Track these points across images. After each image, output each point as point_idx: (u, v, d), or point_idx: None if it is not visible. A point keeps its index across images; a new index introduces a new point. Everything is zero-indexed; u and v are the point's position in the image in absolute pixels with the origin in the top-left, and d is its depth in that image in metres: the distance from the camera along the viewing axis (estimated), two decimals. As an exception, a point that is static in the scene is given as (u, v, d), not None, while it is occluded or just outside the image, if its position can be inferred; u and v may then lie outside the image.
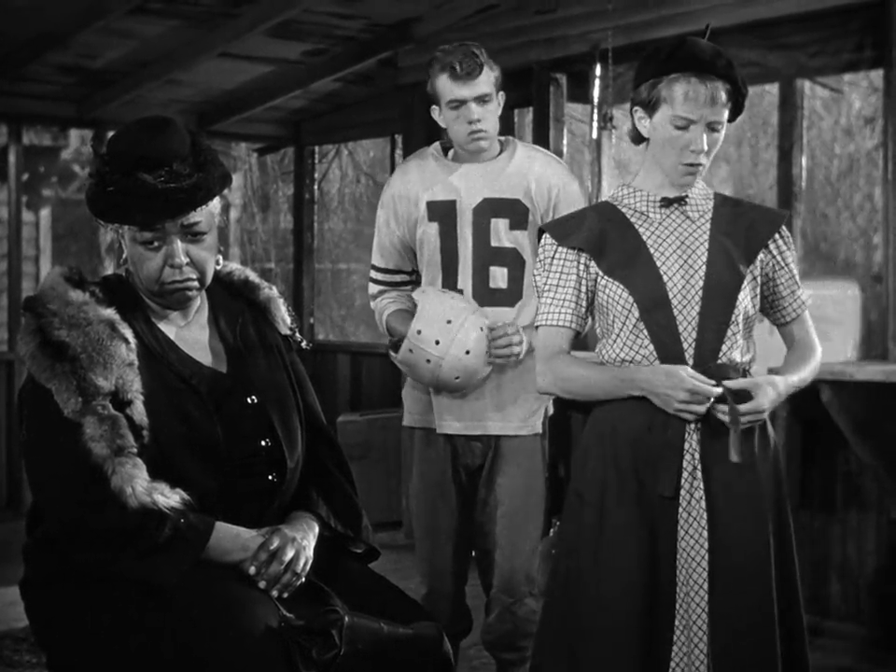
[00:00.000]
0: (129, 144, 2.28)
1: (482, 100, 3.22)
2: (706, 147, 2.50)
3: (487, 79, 3.23)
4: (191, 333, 2.42)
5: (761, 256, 2.60)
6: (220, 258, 2.44)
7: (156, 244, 2.30)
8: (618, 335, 2.55)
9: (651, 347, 2.51)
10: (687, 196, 2.59)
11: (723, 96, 2.48)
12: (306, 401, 2.54)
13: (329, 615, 2.23)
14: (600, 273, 2.56)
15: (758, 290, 2.60)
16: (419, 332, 3.19)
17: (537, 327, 2.63)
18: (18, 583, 2.38)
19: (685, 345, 2.50)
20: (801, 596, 2.58)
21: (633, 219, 2.59)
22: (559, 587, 2.58)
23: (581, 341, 2.93)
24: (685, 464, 2.47)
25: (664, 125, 2.51)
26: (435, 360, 3.17)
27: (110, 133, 2.43)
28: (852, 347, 4.31)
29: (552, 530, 4.30)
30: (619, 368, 2.54)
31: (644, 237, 2.56)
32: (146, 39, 5.73)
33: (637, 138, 2.61)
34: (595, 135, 5.19)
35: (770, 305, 2.67)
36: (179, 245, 2.30)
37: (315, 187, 7.74)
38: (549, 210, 3.27)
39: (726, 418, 2.44)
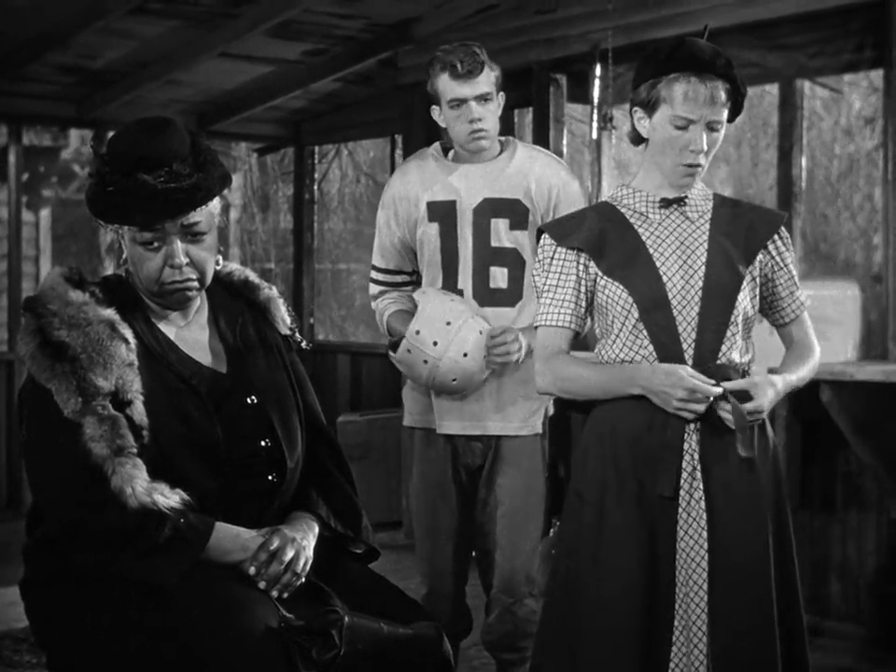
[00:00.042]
0: (129, 144, 2.28)
1: (482, 99, 3.23)
2: (705, 147, 2.50)
3: (488, 79, 3.23)
4: (191, 333, 2.42)
5: (760, 256, 2.60)
6: (220, 258, 2.44)
7: (156, 244, 2.30)
8: (617, 335, 2.55)
9: (651, 348, 2.51)
10: (686, 197, 2.59)
11: (723, 96, 2.48)
12: (306, 401, 2.54)
13: (329, 615, 2.23)
14: (600, 274, 2.56)
15: (757, 291, 2.60)
16: (418, 333, 3.19)
17: (536, 327, 2.63)
18: (18, 583, 2.38)
19: (684, 346, 2.50)
20: (801, 597, 2.58)
21: (632, 220, 2.59)
22: (559, 587, 2.58)
23: (581, 341, 2.93)
24: (684, 464, 2.47)
25: (663, 125, 2.51)
26: (432, 361, 3.17)
27: (110, 134, 2.43)
28: (852, 347, 4.31)
29: (552, 530, 4.30)
30: (618, 367, 2.54)
31: (643, 237, 2.56)
32: (146, 39, 5.73)
33: (637, 139, 2.61)
34: (594, 136, 5.19)
35: (769, 306, 2.67)
36: (179, 245, 2.30)
37: (315, 187, 7.74)
38: (549, 210, 3.27)
39: (730, 417, 2.44)
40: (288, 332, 2.58)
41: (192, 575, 2.20)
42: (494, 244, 3.27)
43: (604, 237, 2.57)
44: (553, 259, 2.60)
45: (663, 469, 2.47)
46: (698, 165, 2.52)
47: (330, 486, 2.53)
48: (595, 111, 5.15)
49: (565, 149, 5.51)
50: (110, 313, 2.27)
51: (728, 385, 2.45)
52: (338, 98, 6.89)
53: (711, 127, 2.50)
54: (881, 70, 4.45)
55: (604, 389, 2.54)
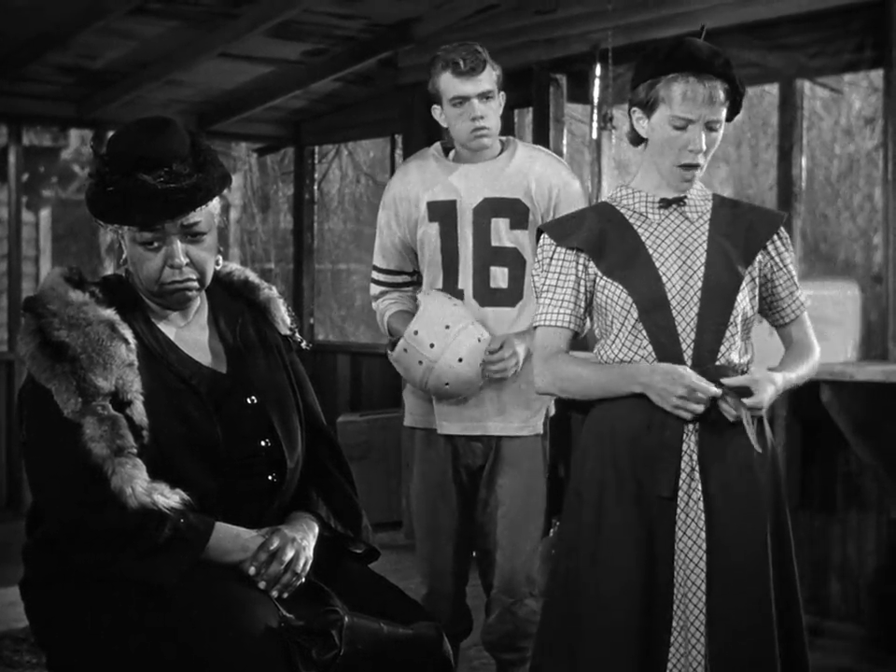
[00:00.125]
0: (129, 144, 2.28)
1: (484, 97, 3.23)
2: (704, 147, 2.50)
3: (490, 77, 3.23)
4: (191, 334, 2.42)
5: (759, 257, 2.60)
6: (220, 258, 2.44)
7: (156, 244, 2.30)
8: (616, 336, 2.55)
9: (650, 348, 2.51)
10: (685, 197, 2.59)
11: (721, 96, 2.48)
12: (306, 402, 2.54)
13: (329, 615, 2.23)
14: (599, 274, 2.56)
15: (756, 291, 2.60)
16: (416, 333, 3.19)
17: (535, 327, 2.63)
18: (18, 583, 2.38)
19: (684, 346, 2.50)
20: (800, 597, 2.58)
21: (632, 220, 2.59)
22: (559, 587, 2.58)
23: (581, 342, 2.93)
24: (683, 464, 2.47)
25: (662, 125, 2.51)
26: (427, 363, 3.18)
27: (110, 134, 2.43)
28: (852, 347, 4.31)
29: (552, 530, 4.30)
30: (618, 366, 2.54)
31: (643, 238, 2.56)
32: (145, 40, 5.73)
33: (636, 139, 2.61)
34: (594, 136, 5.19)
35: (769, 306, 2.67)
36: (179, 245, 2.30)
37: (315, 187, 7.74)
38: (549, 210, 3.27)
39: (731, 411, 2.43)
40: (288, 332, 2.58)
41: (192, 575, 2.20)
42: (494, 243, 3.27)
43: (603, 237, 2.57)
44: (552, 258, 2.61)
45: (661, 470, 2.47)
46: (697, 165, 2.52)
47: (330, 486, 2.53)
48: (595, 111, 5.15)
49: (565, 149, 5.51)
50: (110, 313, 2.28)
51: (727, 381, 2.45)
52: (338, 98, 6.89)
53: (710, 127, 2.50)
54: (881, 70, 4.45)
55: (603, 389, 2.54)
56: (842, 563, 4.46)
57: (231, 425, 2.34)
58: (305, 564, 2.32)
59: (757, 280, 2.60)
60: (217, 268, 2.45)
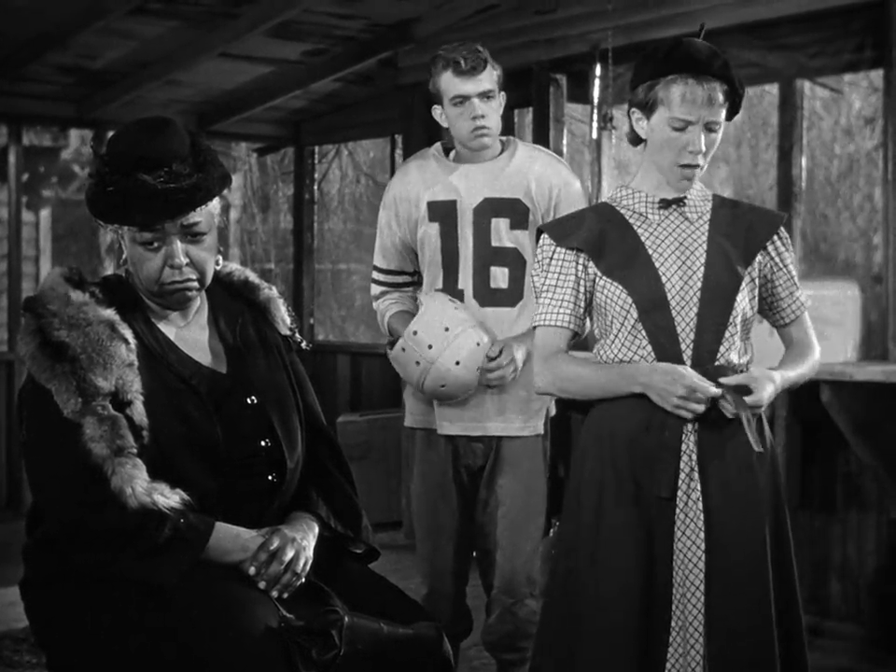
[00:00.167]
0: (128, 144, 2.28)
1: (485, 96, 3.23)
2: (703, 149, 2.50)
3: (490, 76, 3.23)
4: (191, 334, 2.42)
5: (759, 257, 2.60)
6: (220, 258, 2.44)
7: (156, 244, 2.30)
8: (616, 336, 2.55)
9: (650, 348, 2.51)
10: (685, 197, 2.59)
11: (720, 97, 2.48)
12: (306, 402, 2.54)
13: (329, 615, 2.23)
14: (599, 274, 2.56)
15: (756, 292, 2.60)
16: (415, 333, 3.19)
17: (534, 327, 2.63)
18: (18, 583, 2.38)
19: (683, 346, 2.50)
20: (799, 597, 2.58)
21: (631, 220, 2.59)
22: (558, 587, 2.58)
23: (582, 343, 2.93)
24: (682, 465, 2.47)
25: (661, 127, 2.51)
26: (424, 364, 3.17)
27: (110, 134, 2.43)
28: (852, 347, 4.31)
29: (552, 531, 4.30)
30: (617, 366, 2.54)
31: (643, 238, 2.56)
32: (145, 40, 5.73)
33: (635, 140, 2.61)
34: (594, 136, 5.19)
35: (769, 307, 2.67)
36: (179, 245, 2.30)
37: (315, 187, 7.74)
38: (549, 210, 3.27)
39: (731, 409, 2.43)
40: (288, 332, 2.58)
41: (192, 575, 2.20)
42: (494, 243, 3.27)
43: (603, 238, 2.57)
44: (552, 259, 2.61)
45: (661, 470, 2.47)
46: (697, 166, 2.53)
47: (330, 486, 2.53)
48: (595, 111, 5.15)
49: (565, 149, 5.51)
50: (110, 313, 2.27)
51: (726, 380, 2.45)
52: (338, 98, 6.89)
53: (709, 128, 2.50)
54: (881, 70, 4.45)
55: (603, 388, 2.54)
56: (842, 563, 4.46)
57: (231, 425, 2.34)
58: (305, 564, 2.32)
59: (757, 280, 2.60)
60: (217, 268, 2.45)
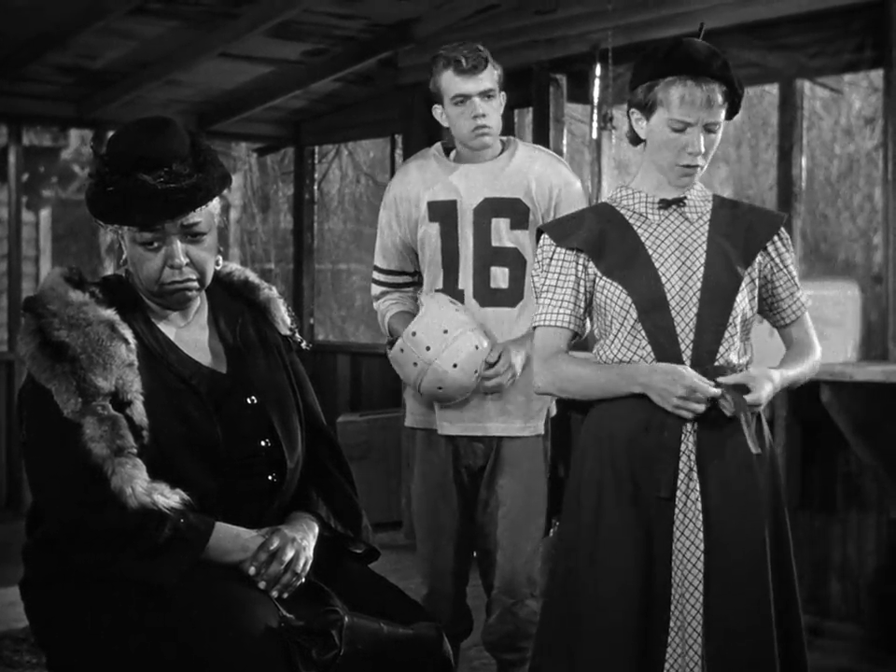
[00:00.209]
0: (128, 144, 2.28)
1: (486, 95, 3.23)
2: (703, 150, 2.50)
3: (491, 76, 3.23)
4: (191, 334, 2.42)
5: (759, 258, 2.60)
6: (220, 258, 2.44)
7: (156, 244, 2.30)
8: (616, 336, 2.55)
9: (649, 348, 2.51)
10: (685, 198, 2.59)
11: (719, 98, 2.48)
12: (306, 402, 2.54)
13: (329, 615, 2.23)
14: (598, 274, 2.56)
15: (756, 292, 2.60)
16: (414, 334, 3.18)
17: (535, 327, 2.63)
18: (18, 583, 2.38)
19: (682, 347, 2.50)
20: (798, 597, 2.58)
21: (631, 220, 2.59)
22: (558, 587, 2.58)
23: (582, 343, 2.93)
24: (681, 465, 2.47)
25: (660, 128, 2.51)
26: (421, 365, 3.17)
27: (110, 134, 2.43)
28: (852, 348, 4.31)
29: (552, 531, 4.30)
30: (617, 366, 2.54)
31: (642, 238, 2.56)
32: (145, 40, 5.74)
33: (635, 139, 2.62)
34: (594, 136, 5.19)
35: (769, 307, 2.67)
36: (179, 245, 2.30)
37: (315, 187, 7.74)
38: (550, 210, 3.27)
39: (730, 408, 2.43)
40: (288, 332, 2.58)
41: (192, 575, 2.20)
42: (495, 243, 3.27)
43: (603, 238, 2.57)
44: (552, 259, 2.61)
45: (660, 471, 2.47)
46: (696, 166, 2.53)
47: (330, 486, 2.53)
48: (595, 111, 5.15)
49: (565, 149, 5.51)
50: (110, 313, 2.27)
51: (724, 379, 2.45)
52: (338, 98, 6.89)
53: (708, 129, 2.50)
54: (881, 70, 4.45)
55: (603, 389, 2.54)
56: (842, 563, 4.46)
57: (231, 425, 2.34)
58: (305, 564, 2.32)
59: (757, 281, 2.60)
60: (217, 268, 2.45)
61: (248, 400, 2.40)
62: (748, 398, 2.44)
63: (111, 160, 2.28)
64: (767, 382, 2.47)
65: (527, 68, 5.43)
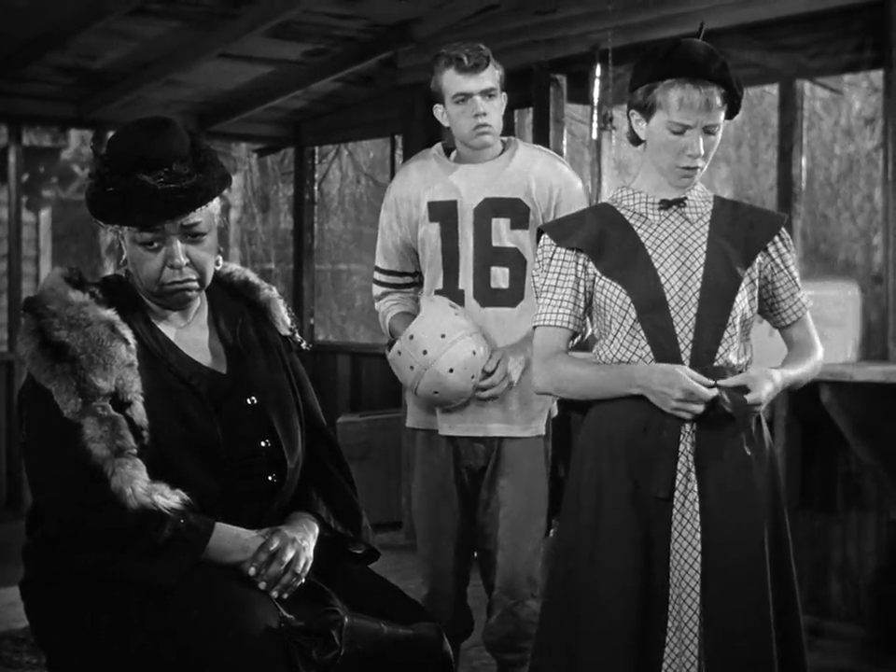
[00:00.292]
0: (128, 145, 2.28)
1: (487, 94, 3.23)
2: (702, 152, 2.50)
3: (492, 75, 3.23)
4: (191, 334, 2.42)
5: (759, 258, 2.60)
6: (220, 258, 2.44)
7: (156, 244, 2.30)
8: (615, 336, 2.55)
9: (648, 348, 2.51)
10: (686, 198, 2.59)
11: (718, 101, 2.48)
12: (306, 402, 2.54)
13: (329, 616, 2.23)
14: (598, 274, 2.56)
15: (756, 293, 2.60)
16: (411, 338, 3.18)
17: (534, 327, 2.63)
18: (18, 584, 2.38)
19: (682, 347, 2.50)
20: (798, 598, 2.58)
21: (631, 221, 2.59)
22: (558, 588, 2.58)
23: (583, 344, 2.93)
24: (680, 465, 2.47)
25: (660, 130, 2.51)
26: (418, 369, 3.17)
27: (110, 134, 2.43)
28: (852, 348, 4.31)
29: (552, 531, 4.30)
30: (616, 367, 2.54)
31: (642, 238, 2.56)
32: (145, 40, 5.74)
33: (635, 140, 2.62)
34: (594, 136, 5.19)
35: (770, 308, 2.67)
36: (179, 245, 2.30)
37: (316, 187, 7.73)
38: (550, 210, 3.27)
39: (730, 409, 2.43)
40: (288, 333, 2.58)
41: (192, 575, 2.20)
42: (495, 243, 3.27)
43: (603, 238, 2.57)
44: (552, 259, 2.61)
45: (658, 471, 2.47)
46: (696, 168, 2.53)
47: (330, 487, 2.53)
48: (595, 111, 5.15)
49: (565, 150, 5.51)
50: (110, 313, 2.27)
51: (724, 382, 2.45)
52: (338, 98, 6.89)
53: (708, 131, 2.50)
54: (881, 70, 4.45)
55: (601, 389, 2.54)
56: (842, 563, 4.46)
57: (231, 425, 2.34)
58: (305, 564, 2.32)
59: (757, 281, 2.60)
60: (217, 268, 2.45)
61: (248, 401, 2.40)
62: (748, 397, 2.44)
63: (111, 160, 2.28)
64: (768, 381, 2.47)
65: (527, 68, 5.43)
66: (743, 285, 2.55)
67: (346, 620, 2.22)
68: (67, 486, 2.21)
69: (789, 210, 4.69)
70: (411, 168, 3.39)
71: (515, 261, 3.27)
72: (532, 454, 3.31)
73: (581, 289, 2.59)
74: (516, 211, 3.27)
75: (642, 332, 2.51)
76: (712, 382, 2.45)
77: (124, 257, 2.35)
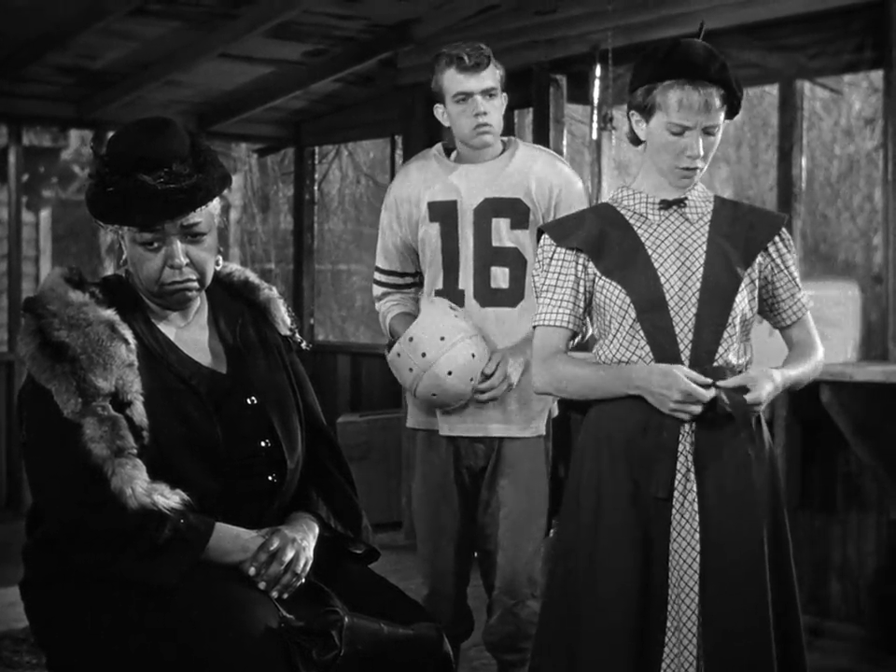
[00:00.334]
0: (128, 145, 2.28)
1: (488, 93, 3.23)
2: (701, 153, 2.51)
3: (493, 75, 3.24)
4: (191, 334, 2.42)
5: (759, 259, 2.60)
6: (220, 258, 2.44)
7: (156, 244, 2.30)
8: (615, 336, 2.55)
9: (648, 348, 2.51)
10: (686, 198, 2.59)
11: (717, 102, 2.48)
12: (306, 402, 2.54)
13: (329, 616, 2.23)
14: (598, 274, 2.56)
15: (756, 293, 2.59)
16: (410, 340, 3.18)
17: (534, 326, 2.64)
18: (18, 584, 2.38)
19: (681, 347, 2.50)
20: (798, 599, 2.58)
21: (631, 221, 2.59)
22: (557, 588, 2.58)
23: (583, 344, 2.92)
24: (679, 465, 2.47)
25: (659, 131, 2.51)
26: (416, 371, 3.17)
27: (110, 134, 2.43)
28: (852, 348, 4.31)
29: (552, 531, 4.30)
30: (615, 367, 2.54)
31: (642, 238, 2.56)
32: (145, 40, 5.74)
33: (635, 140, 2.62)
34: (594, 136, 5.19)
35: (770, 308, 2.67)
36: (179, 245, 2.30)
37: (316, 187, 7.74)
38: (550, 210, 3.27)
39: (729, 409, 2.43)
40: (288, 333, 2.58)
41: (192, 575, 2.20)
42: (495, 243, 3.27)
43: (603, 238, 2.57)
44: (552, 259, 2.61)
45: (658, 471, 2.47)
46: (696, 168, 2.53)
47: (330, 487, 2.53)
48: (595, 112, 5.15)
49: (565, 150, 5.51)
50: (110, 313, 2.27)
51: (723, 382, 2.45)
52: (338, 99, 6.89)
53: (707, 132, 2.50)
54: (881, 70, 4.45)
55: (601, 389, 2.54)
56: (842, 563, 4.46)
57: (231, 425, 2.34)
58: (305, 564, 2.32)
59: (757, 282, 2.60)
60: (217, 268, 2.45)
61: (248, 401, 2.40)
62: (747, 397, 2.44)
63: (111, 160, 2.28)
64: (768, 381, 2.47)
65: (527, 69, 5.43)
66: (743, 285, 2.54)
67: (346, 620, 2.22)
68: (67, 486, 2.21)
69: (789, 210, 4.69)
70: (411, 168, 3.39)
71: (515, 261, 3.27)
72: (532, 454, 3.31)
73: (581, 289, 2.59)
74: (516, 211, 3.27)
75: (642, 332, 2.51)
76: (710, 382, 2.45)
77: (124, 257, 2.35)
